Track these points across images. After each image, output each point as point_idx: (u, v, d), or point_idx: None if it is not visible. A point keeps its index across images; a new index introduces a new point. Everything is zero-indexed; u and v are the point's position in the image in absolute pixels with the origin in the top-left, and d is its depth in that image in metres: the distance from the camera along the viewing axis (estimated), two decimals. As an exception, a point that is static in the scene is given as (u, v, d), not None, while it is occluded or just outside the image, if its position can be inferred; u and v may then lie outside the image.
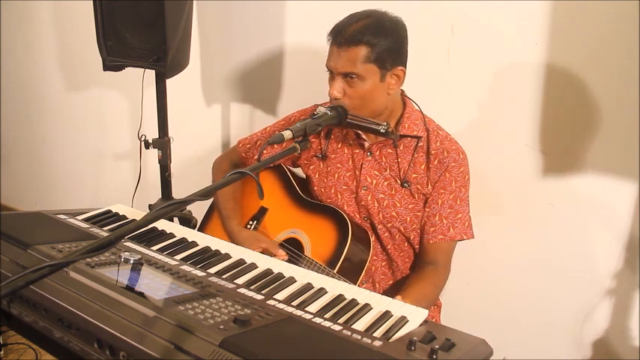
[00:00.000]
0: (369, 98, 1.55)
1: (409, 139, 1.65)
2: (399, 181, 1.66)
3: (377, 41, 1.50)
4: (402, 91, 1.69)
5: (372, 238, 1.69)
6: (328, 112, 1.47)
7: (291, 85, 2.44)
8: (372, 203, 1.68)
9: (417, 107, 1.69)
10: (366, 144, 1.68)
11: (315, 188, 1.78)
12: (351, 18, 1.55)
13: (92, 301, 0.93)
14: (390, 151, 1.67)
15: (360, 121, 1.54)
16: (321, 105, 1.56)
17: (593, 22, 1.77)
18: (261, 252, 1.42)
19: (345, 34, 1.51)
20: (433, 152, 1.64)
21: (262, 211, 1.82)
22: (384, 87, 1.56)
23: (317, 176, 1.77)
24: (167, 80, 2.13)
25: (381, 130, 1.51)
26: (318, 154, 1.77)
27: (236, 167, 1.79)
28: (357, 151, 1.71)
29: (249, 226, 1.81)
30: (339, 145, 1.74)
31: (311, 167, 1.79)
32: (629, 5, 1.69)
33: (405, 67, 1.58)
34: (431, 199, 1.65)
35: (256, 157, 1.77)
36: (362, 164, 1.69)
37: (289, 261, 1.59)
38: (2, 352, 2.23)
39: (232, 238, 1.69)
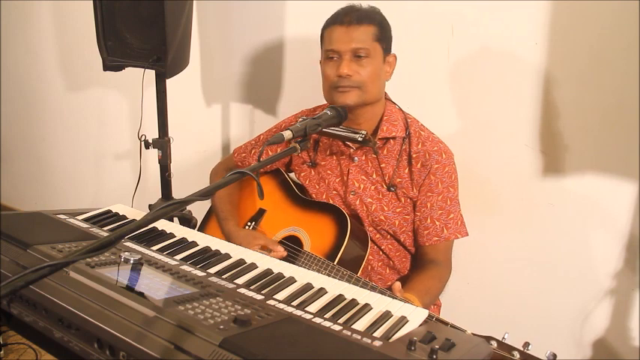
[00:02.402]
0: (375, 78, 1.58)
1: (392, 142, 1.65)
2: (385, 186, 1.66)
3: (383, 23, 1.58)
4: (385, 93, 1.70)
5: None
6: (328, 112, 1.47)
7: (291, 85, 2.44)
8: (360, 207, 1.69)
9: (397, 107, 1.70)
10: (351, 150, 1.69)
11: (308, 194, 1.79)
12: (352, 5, 1.62)
13: (92, 301, 0.93)
14: (374, 156, 1.67)
15: (337, 131, 1.57)
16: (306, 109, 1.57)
17: (593, 22, 1.77)
18: (259, 249, 1.41)
19: (354, 14, 1.57)
20: (414, 155, 1.64)
21: (260, 212, 1.82)
22: (383, 70, 1.61)
23: (308, 182, 1.79)
24: (167, 80, 2.13)
25: (359, 139, 1.55)
26: (307, 162, 1.78)
27: None
28: (343, 157, 1.72)
29: (247, 227, 1.81)
30: (327, 153, 1.76)
31: (302, 174, 1.81)
32: (629, 5, 1.69)
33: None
34: (419, 202, 1.65)
35: (257, 158, 1.77)
36: (349, 170, 1.70)
37: (289, 257, 1.59)
38: (2, 352, 2.23)
39: (230, 239, 1.69)
